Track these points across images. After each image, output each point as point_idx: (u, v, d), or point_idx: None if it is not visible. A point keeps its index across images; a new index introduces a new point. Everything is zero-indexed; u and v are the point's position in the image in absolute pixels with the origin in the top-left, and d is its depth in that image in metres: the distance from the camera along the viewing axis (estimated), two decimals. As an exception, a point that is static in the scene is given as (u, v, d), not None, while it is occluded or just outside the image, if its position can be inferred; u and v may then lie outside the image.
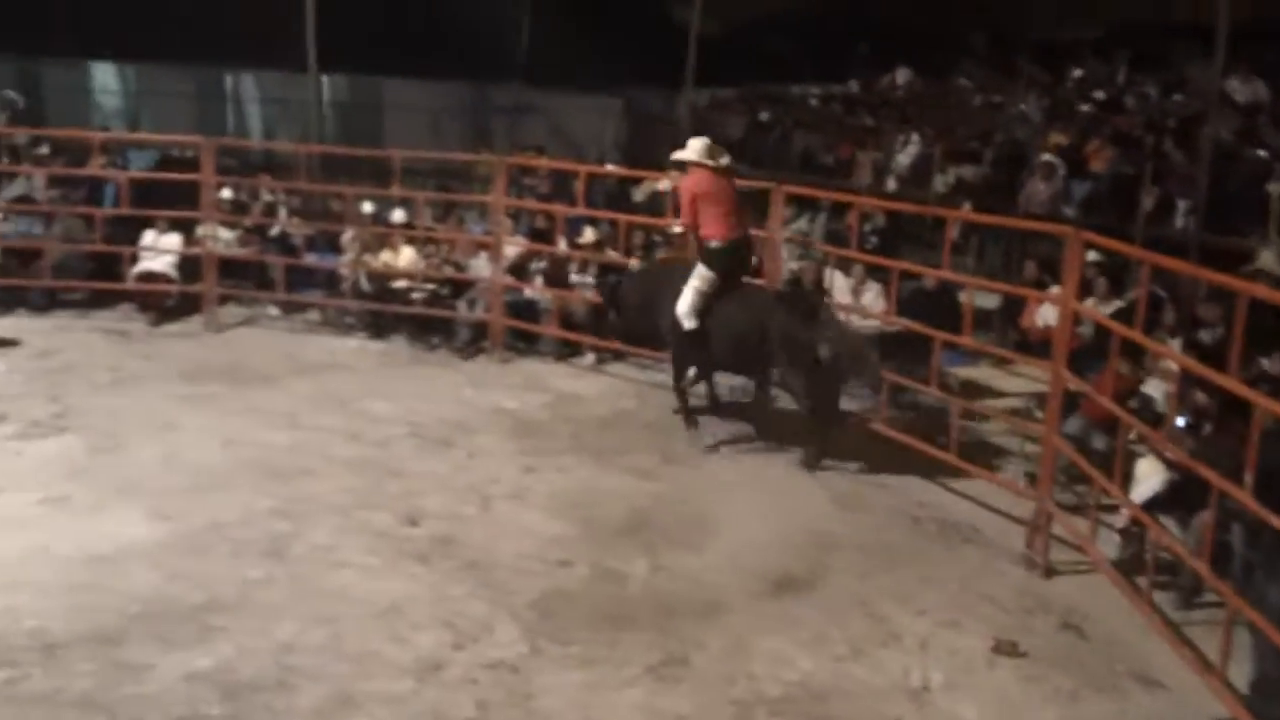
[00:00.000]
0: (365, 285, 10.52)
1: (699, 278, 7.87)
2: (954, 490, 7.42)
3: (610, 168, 12.02)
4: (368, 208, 11.03)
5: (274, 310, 10.83)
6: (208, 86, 19.28)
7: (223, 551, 6.14)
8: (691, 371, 8.41)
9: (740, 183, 8.32)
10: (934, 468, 7.47)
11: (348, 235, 10.70)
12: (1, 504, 6.55)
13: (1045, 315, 8.76)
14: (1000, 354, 8.21)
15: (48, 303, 10.38)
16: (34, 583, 5.68)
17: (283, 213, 11.41)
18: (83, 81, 18.52)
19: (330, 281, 10.74)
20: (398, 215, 10.96)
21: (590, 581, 6.02)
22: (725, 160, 7.99)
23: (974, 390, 9.03)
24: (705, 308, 7.86)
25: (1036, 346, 8.22)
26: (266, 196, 11.50)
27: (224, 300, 10.63)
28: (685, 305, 7.88)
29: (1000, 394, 9.18)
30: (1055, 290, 7.49)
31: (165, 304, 10.49)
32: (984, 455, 7.79)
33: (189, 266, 10.59)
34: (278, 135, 17.78)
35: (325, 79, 15.39)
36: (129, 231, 10.75)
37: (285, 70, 15.97)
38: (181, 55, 17.94)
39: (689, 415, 8.27)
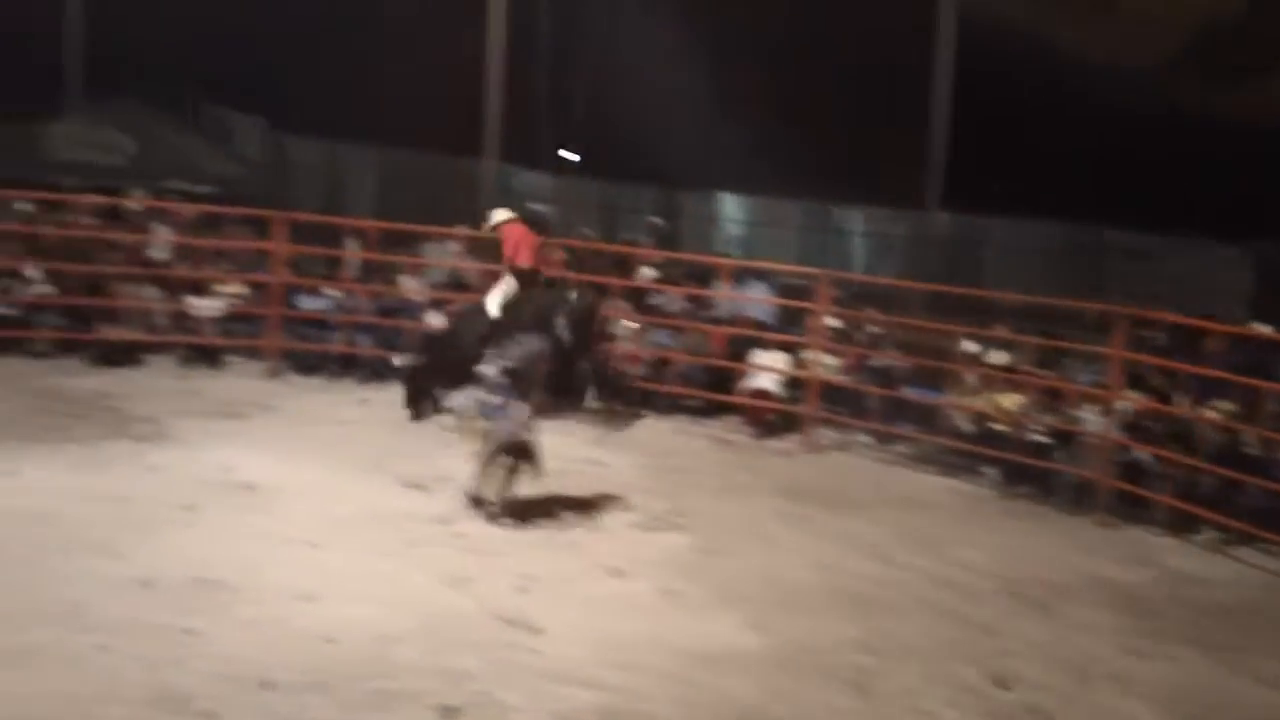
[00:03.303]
0: (963, 424, 10.39)
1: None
2: None
3: (1259, 327, 10.88)
4: (971, 347, 10.94)
5: (867, 438, 11.03)
6: (815, 219, 20.39)
7: (812, 675, 6.23)
8: None
9: None
10: None
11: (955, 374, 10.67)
12: (624, 588, 7.18)
13: None
14: None
15: (670, 407, 11.40)
16: (646, 667, 6.10)
17: (885, 346, 11.64)
18: (711, 210, 20.44)
19: (926, 416, 10.75)
20: (1000, 356, 10.75)
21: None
22: None
23: None
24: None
25: None
26: (871, 328, 11.81)
27: (822, 423, 11.01)
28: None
29: None
30: None
31: (768, 420, 11.09)
32: None
33: (793, 387, 11.14)
34: (877, 268, 18.34)
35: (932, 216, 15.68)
36: (740, 350, 11.58)
37: (893, 207, 16.50)
38: (795, 190, 19.23)
39: None
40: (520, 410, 7.96)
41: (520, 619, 6.47)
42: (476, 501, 8.00)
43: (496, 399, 7.88)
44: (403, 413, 9.65)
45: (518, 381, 7.87)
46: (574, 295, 10.75)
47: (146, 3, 17.93)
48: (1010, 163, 17.55)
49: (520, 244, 10.43)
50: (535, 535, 7.83)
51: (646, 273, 12.58)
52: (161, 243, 12.17)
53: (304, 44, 18.86)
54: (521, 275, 10.18)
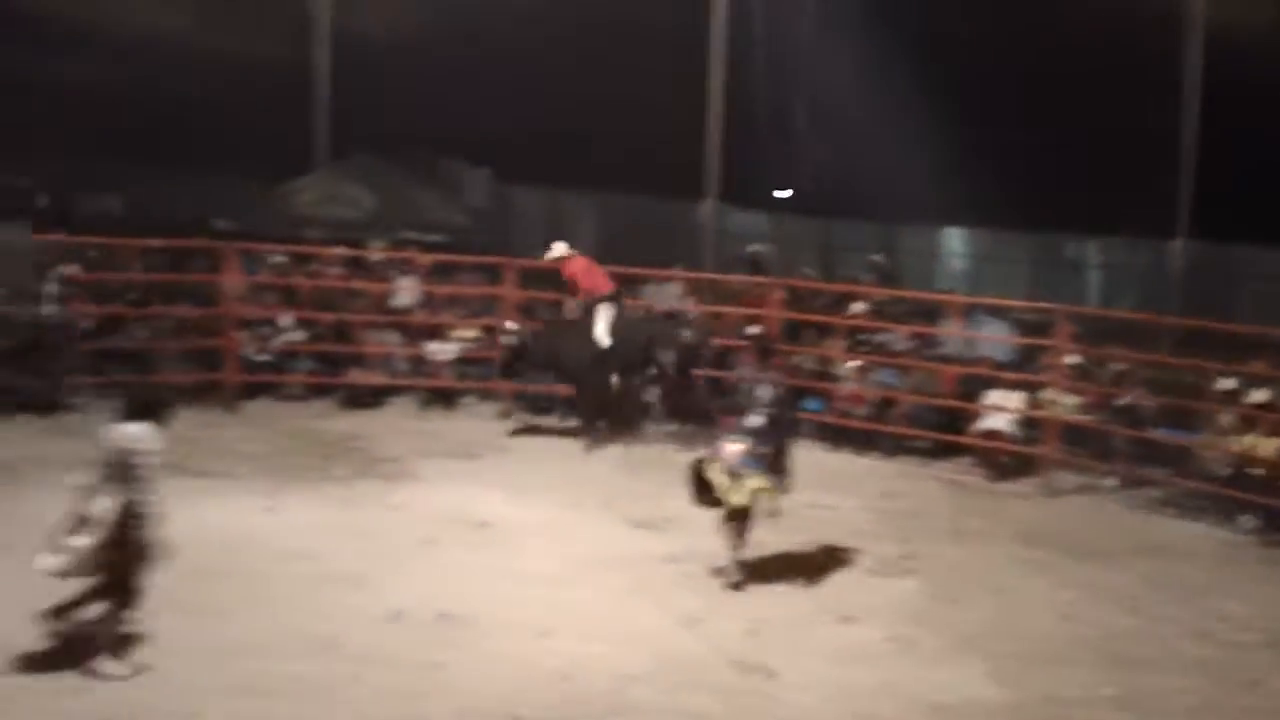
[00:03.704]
0: (1218, 467, 9.73)
1: None
2: None
3: None
4: (1227, 384, 10.25)
5: (1111, 481, 10.46)
6: (1046, 252, 19.64)
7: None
8: None
9: None
10: None
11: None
12: (856, 634, 7.03)
13: None
14: None
15: (894, 448, 11.14)
16: (883, 717, 5.96)
17: (1130, 384, 11.05)
18: (933, 245, 20.01)
19: (1176, 459, 10.12)
20: (1260, 395, 10.03)
21: None
22: None
23: None
24: None
25: None
26: (1114, 365, 11.23)
27: (1062, 465, 10.52)
28: None
29: None
30: None
31: (1003, 462, 10.67)
32: None
33: (1029, 428, 10.70)
34: (1114, 302, 17.48)
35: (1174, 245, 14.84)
36: (971, 389, 11.20)
37: (1132, 237, 15.70)
38: (1023, 223, 18.56)
39: None
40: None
41: (753, 663, 6.44)
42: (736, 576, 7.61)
43: (760, 449, 7.49)
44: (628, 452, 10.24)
45: (774, 429, 7.65)
46: (684, 331, 11.46)
47: (383, 72, 19.11)
48: (1263, 187, 16.40)
49: (593, 273, 10.94)
50: (764, 578, 7.76)
51: (862, 309, 12.35)
52: (403, 291, 12.80)
53: (526, 97, 19.63)
54: (610, 299, 10.90)
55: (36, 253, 11.40)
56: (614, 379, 11.17)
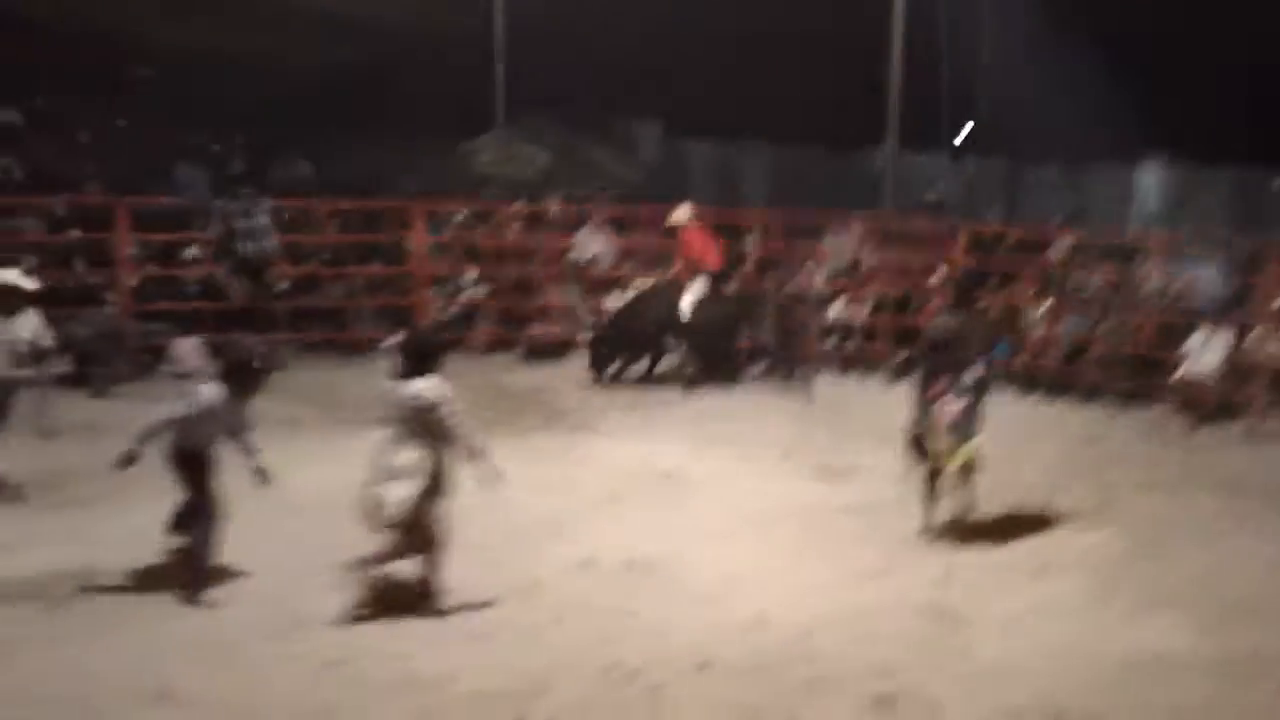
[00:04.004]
0: None
1: None
2: None
3: None
4: None
5: (1326, 428, 9.86)
6: (1249, 187, 18.40)
7: (1269, 689, 5.66)
8: None
9: None
10: None
11: None
12: (1049, 586, 6.85)
13: None
14: None
15: (1088, 395, 10.74)
16: (1078, 670, 5.81)
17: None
18: (1124, 183, 18.96)
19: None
20: None
21: None
22: None
23: None
24: None
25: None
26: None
27: (1271, 411, 9.94)
28: None
29: None
30: None
31: (1205, 407, 10.16)
32: None
33: (1235, 373, 10.15)
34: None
35: None
36: (1170, 331, 10.71)
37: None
38: (1222, 157, 17.44)
39: None
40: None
41: (944, 613, 6.38)
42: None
43: (976, 403, 7.34)
44: (797, 402, 10.53)
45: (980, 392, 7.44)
46: (768, 304, 11.59)
47: (556, 32, 19.31)
48: None
49: (706, 247, 10.92)
50: (951, 527, 7.65)
51: (1057, 253, 11.91)
52: (585, 244, 12.98)
53: (696, 50, 19.50)
54: (712, 278, 11.04)
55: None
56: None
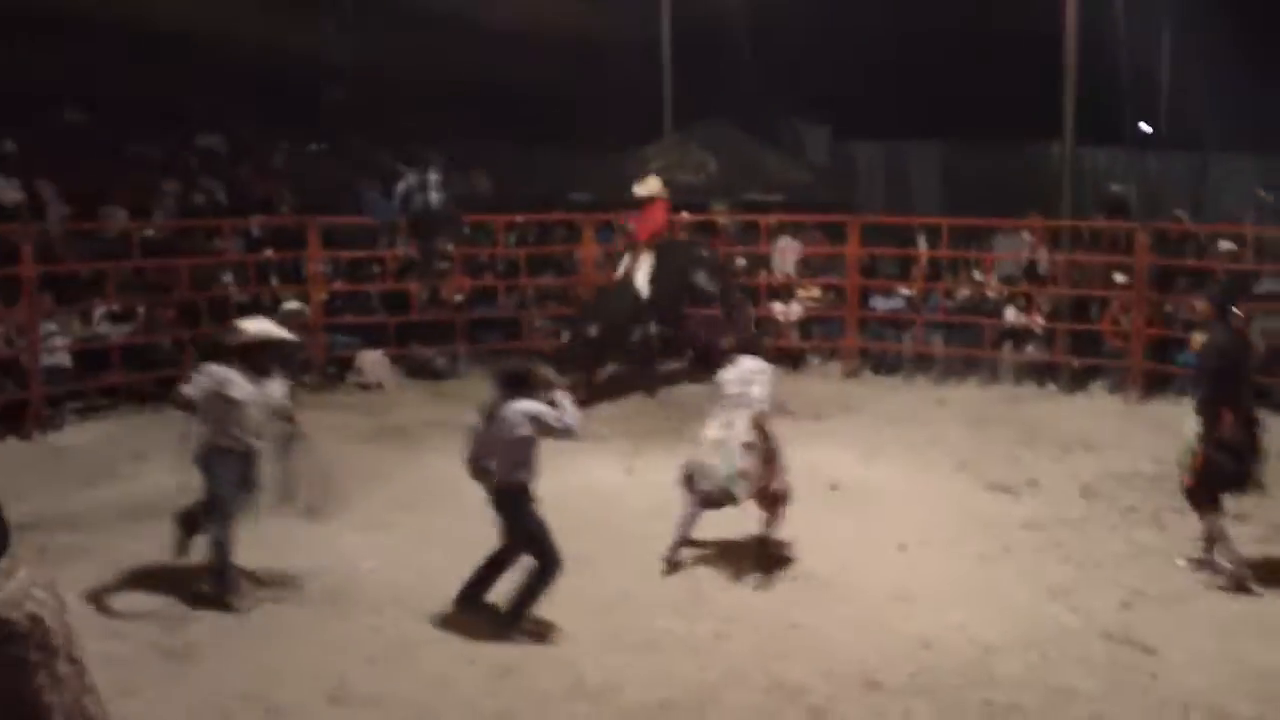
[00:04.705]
0: None
1: None
2: None
3: None
4: None
5: None
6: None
7: None
8: None
9: None
10: None
11: None
12: (1249, 607, 6.49)
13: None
14: None
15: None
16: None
17: None
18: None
19: None
20: None
21: None
22: None
23: None
24: None
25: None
26: None
27: None
28: None
29: None
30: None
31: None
32: None
33: None
34: None
35: None
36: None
37: None
38: None
39: None
40: None
41: (1131, 637, 6.09)
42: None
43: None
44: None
45: None
46: (704, 250, 11.65)
47: (722, 40, 19.36)
48: None
49: (653, 224, 11.29)
50: (1133, 545, 7.29)
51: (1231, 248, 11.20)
52: (784, 254, 12.97)
53: (863, 52, 19.26)
54: (653, 249, 11.19)
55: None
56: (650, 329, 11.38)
